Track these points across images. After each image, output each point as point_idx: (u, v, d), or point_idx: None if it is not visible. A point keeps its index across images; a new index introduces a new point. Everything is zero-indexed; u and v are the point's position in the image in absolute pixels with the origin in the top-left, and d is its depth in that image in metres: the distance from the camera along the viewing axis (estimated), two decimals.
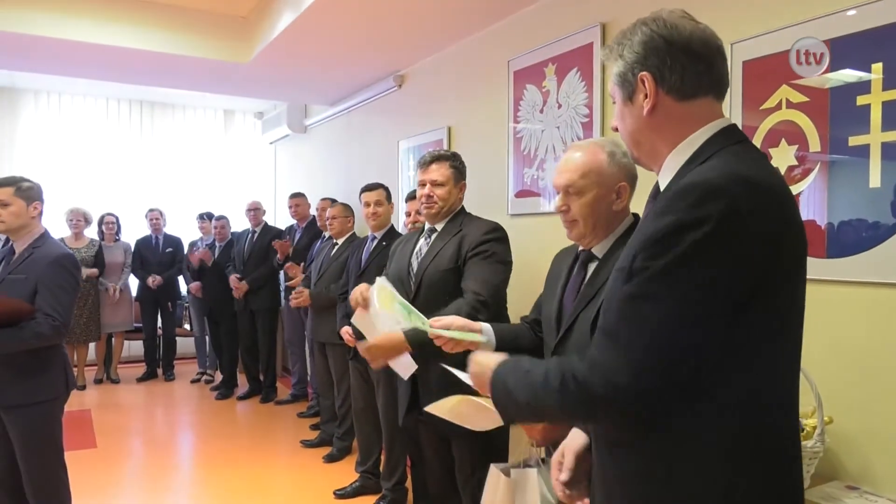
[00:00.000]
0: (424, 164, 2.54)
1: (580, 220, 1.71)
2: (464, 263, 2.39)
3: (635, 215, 1.78)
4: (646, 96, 1.11)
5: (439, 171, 2.51)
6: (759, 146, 2.22)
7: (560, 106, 3.17)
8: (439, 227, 2.54)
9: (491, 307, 2.27)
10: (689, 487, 1.04)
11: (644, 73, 1.10)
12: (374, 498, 3.50)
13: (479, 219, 2.57)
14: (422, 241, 2.58)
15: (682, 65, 1.09)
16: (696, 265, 0.97)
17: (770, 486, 1.05)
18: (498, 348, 1.75)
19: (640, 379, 0.98)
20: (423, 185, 2.53)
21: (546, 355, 1.76)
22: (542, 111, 3.30)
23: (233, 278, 5.76)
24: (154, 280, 6.40)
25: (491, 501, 1.69)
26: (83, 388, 6.19)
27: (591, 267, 1.74)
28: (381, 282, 2.09)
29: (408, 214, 3.92)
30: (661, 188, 1.14)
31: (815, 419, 1.82)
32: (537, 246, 3.01)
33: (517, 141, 3.47)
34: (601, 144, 1.75)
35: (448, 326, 1.74)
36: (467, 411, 1.47)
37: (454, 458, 2.47)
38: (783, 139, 2.16)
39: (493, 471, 1.70)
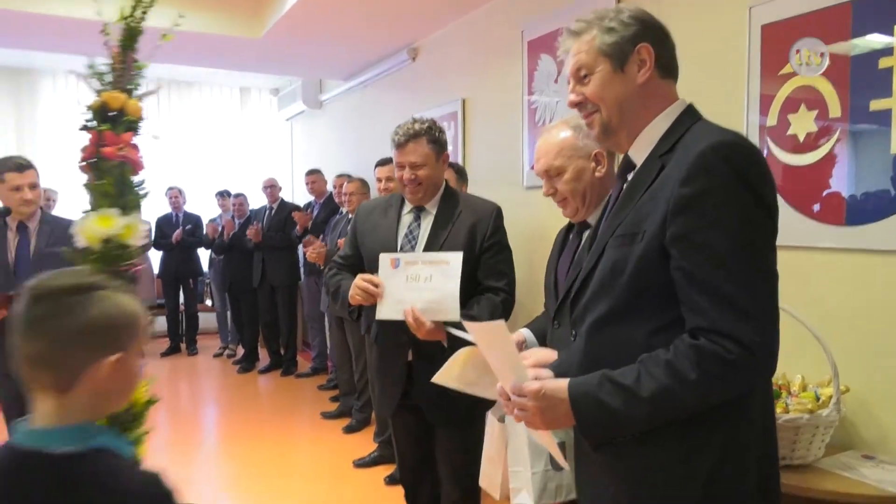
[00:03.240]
0: (399, 145, 2.23)
1: (569, 198, 1.78)
2: (480, 253, 2.23)
3: None
4: (639, 67, 1.20)
5: (417, 152, 2.22)
6: (776, 113, 2.18)
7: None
8: (431, 208, 2.30)
9: (514, 302, 2.27)
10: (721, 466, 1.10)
11: (645, 44, 1.19)
12: (392, 467, 3.55)
13: (475, 198, 2.39)
14: (407, 219, 2.32)
15: (668, 45, 1.23)
16: (759, 215, 1.07)
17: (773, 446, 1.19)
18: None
19: (774, 336, 1.06)
20: (401, 167, 2.24)
21: (549, 325, 1.79)
22: (556, 81, 3.26)
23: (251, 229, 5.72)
24: (177, 236, 6.45)
25: (488, 448, 1.72)
26: None
27: (586, 235, 1.77)
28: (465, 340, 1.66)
29: (379, 181, 3.92)
30: (637, 160, 1.23)
31: (831, 388, 1.80)
32: (553, 218, 3.00)
33: (532, 112, 3.43)
34: (566, 121, 1.81)
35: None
36: (476, 374, 1.44)
37: (430, 451, 2.37)
38: (802, 105, 2.11)
39: (490, 418, 1.72)
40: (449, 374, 1.51)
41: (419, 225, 2.30)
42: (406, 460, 2.46)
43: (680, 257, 1.08)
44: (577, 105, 1.27)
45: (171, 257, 6.56)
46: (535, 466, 1.56)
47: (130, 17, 2.40)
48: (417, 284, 2.08)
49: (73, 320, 0.97)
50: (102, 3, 2.44)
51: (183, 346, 6.83)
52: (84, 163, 2.46)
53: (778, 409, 1.78)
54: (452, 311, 2.03)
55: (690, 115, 1.21)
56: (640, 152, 1.23)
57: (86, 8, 4.19)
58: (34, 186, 2.67)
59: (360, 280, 2.17)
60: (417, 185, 2.23)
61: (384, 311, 2.13)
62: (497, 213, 2.31)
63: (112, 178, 2.40)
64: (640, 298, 1.14)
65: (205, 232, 6.51)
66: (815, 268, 2.08)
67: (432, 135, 2.25)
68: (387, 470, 3.56)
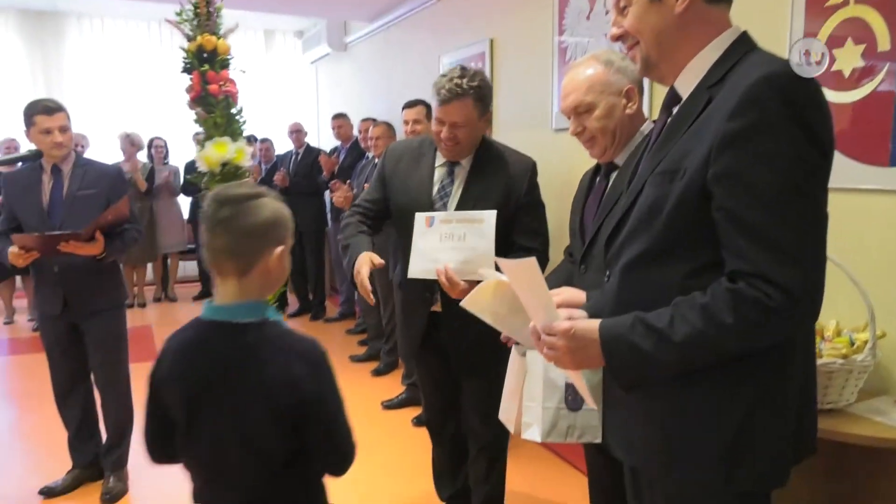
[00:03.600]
0: (444, 101, 2.07)
1: (598, 136, 1.72)
2: (514, 211, 2.15)
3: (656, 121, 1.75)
4: None
5: (461, 112, 2.07)
6: None
7: (608, 12, 3.01)
8: (465, 163, 2.20)
9: (548, 261, 2.22)
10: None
11: None
12: (419, 409, 3.62)
13: (512, 153, 2.25)
14: (440, 173, 2.22)
15: None
16: (812, 154, 1.00)
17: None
18: None
19: (819, 284, 1.01)
20: (440, 122, 2.10)
21: (575, 270, 1.76)
22: (588, 18, 3.14)
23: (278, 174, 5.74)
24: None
25: (508, 382, 1.72)
26: (143, 305, 6.49)
27: (613, 176, 1.75)
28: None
29: (406, 123, 3.86)
30: (683, 93, 1.16)
31: (867, 332, 1.77)
32: (582, 161, 2.94)
33: (562, 51, 3.33)
34: (595, 57, 1.74)
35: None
36: (506, 309, 1.40)
37: (454, 394, 2.39)
38: (849, 38, 2.01)
39: (513, 352, 1.71)
40: (478, 302, 1.47)
41: (452, 181, 2.20)
42: (431, 403, 2.49)
43: (723, 196, 1.02)
44: (618, 38, 1.21)
45: (198, 204, 6.62)
46: (547, 401, 1.55)
47: None
48: (451, 244, 2.03)
49: (250, 219, 1.24)
50: None
51: (213, 290, 6.95)
52: (195, 101, 2.92)
53: None
54: (488, 268, 1.98)
55: (744, 44, 1.13)
56: (686, 84, 1.15)
57: None
58: (64, 129, 2.67)
59: (364, 281, 2.04)
60: (455, 143, 2.12)
61: (416, 270, 2.09)
62: (532, 169, 2.22)
63: (220, 111, 2.96)
64: (677, 239, 1.09)
65: None
66: (854, 210, 2.02)
67: (481, 92, 2.09)
68: (414, 411, 3.63)
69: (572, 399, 1.54)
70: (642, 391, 1.14)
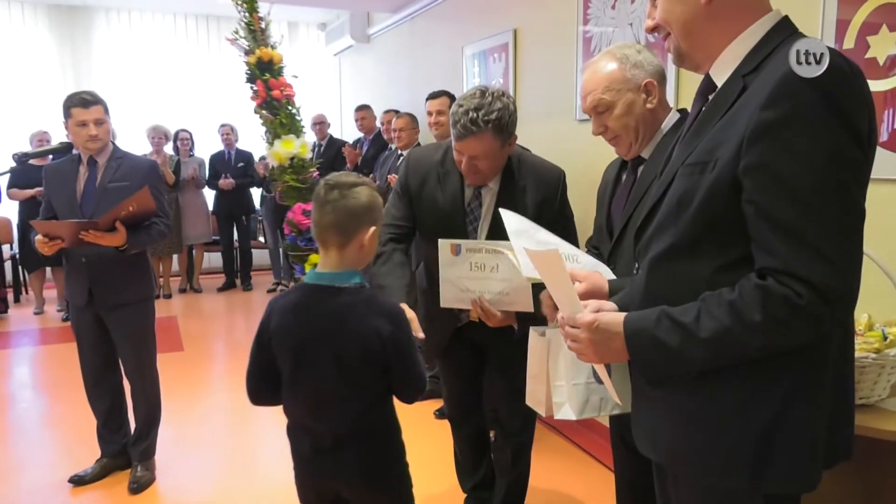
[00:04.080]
0: (459, 138, 1.95)
1: (622, 134, 1.69)
2: (547, 227, 1.99)
3: (681, 110, 1.73)
4: None
5: (479, 147, 1.94)
6: (854, 36, 2.03)
7: (633, 1, 2.97)
8: (492, 184, 2.09)
9: None
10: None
11: None
12: (440, 402, 3.62)
13: (538, 165, 2.14)
14: (468, 194, 2.11)
15: None
16: (850, 147, 0.95)
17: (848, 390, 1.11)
18: None
19: (853, 283, 0.97)
20: (459, 153, 2.00)
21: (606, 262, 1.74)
22: (613, 7, 3.10)
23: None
24: (226, 183, 6.55)
25: (531, 366, 1.69)
26: (169, 296, 6.58)
27: (641, 170, 1.72)
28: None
29: (429, 114, 3.83)
30: (718, 81, 1.12)
31: None
32: (606, 152, 2.92)
33: (587, 41, 3.29)
34: (611, 53, 1.71)
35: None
36: (556, 279, 1.31)
37: (478, 387, 2.38)
38: (884, 25, 1.95)
39: (532, 334, 1.69)
40: (543, 258, 1.44)
41: (480, 204, 2.11)
42: (454, 396, 2.47)
43: (753, 190, 0.98)
44: (653, 29, 1.18)
45: (224, 195, 6.69)
46: (576, 378, 1.52)
47: None
48: (483, 274, 1.96)
49: (352, 202, 1.54)
50: None
51: (238, 281, 7.03)
52: (260, 106, 3.45)
53: None
54: (526, 304, 1.91)
55: (783, 30, 1.07)
56: (721, 72, 1.11)
57: None
58: (100, 122, 2.68)
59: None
60: (477, 172, 2.02)
61: (448, 299, 2.02)
62: (562, 181, 2.13)
63: (284, 113, 3.48)
64: (706, 233, 1.05)
65: (255, 169, 6.60)
66: (887, 200, 1.97)
67: (499, 125, 1.92)
68: (437, 404, 3.63)
69: (596, 375, 1.51)
70: (668, 385, 1.12)
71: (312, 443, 1.62)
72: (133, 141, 6.41)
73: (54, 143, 3.84)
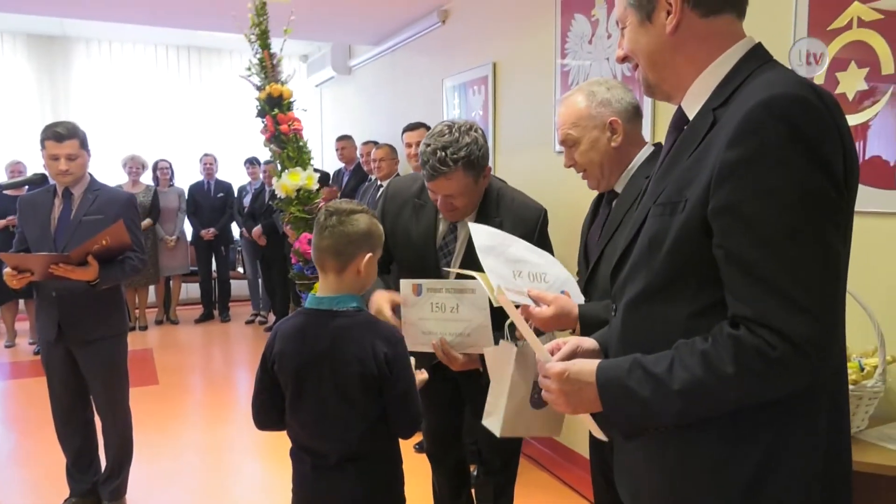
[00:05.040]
0: (430, 179, 1.93)
1: (588, 168, 1.71)
2: None
3: (656, 144, 1.74)
4: (668, 13, 1.03)
5: (451, 186, 1.90)
6: (824, 71, 2.07)
7: (610, 36, 3.02)
8: (468, 218, 2.04)
9: None
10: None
11: None
12: (419, 436, 3.56)
13: (518, 202, 2.09)
14: (442, 227, 2.09)
15: None
16: (820, 186, 0.89)
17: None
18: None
19: (829, 331, 0.90)
20: (433, 192, 1.98)
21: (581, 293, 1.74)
22: (590, 42, 3.15)
23: (255, 230, 6.05)
24: (208, 233, 6.55)
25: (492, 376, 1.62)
26: (145, 328, 6.47)
27: (614, 204, 1.73)
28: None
29: (408, 146, 3.86)
30: (690, 114, 1.07)
31: (876, 358, 1.74)
32: (583, 183, 2.94)
33: (564, 74, 3.34)
34: (580, 89, 1.73)
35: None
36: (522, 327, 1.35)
37: (458, 422, 2.34)
38: (852, 62, 2.00)
39: (502, 343, 1.66)
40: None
41: (455, 237, 2.07)
42: (433, 429, 2.43)
43: (722, 233, 0.92)
44: (623, 59, 1.14)
45: (203, 225, 6.63)
46: (512, 398, 1.44)
47: (261, 24, 3.62)
48: (444, 315, 1.91)
49: (351, 228, 1.60)
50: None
51: (216, 312, 6.94)
52: (269, 140, 3.59)
53: None
54: (487, 344, 1.85)
55: (756, 58, 1.02)
56: (692, 104, 1.06)
57: None
58: (73, 157, 2.64)
59: (389, 313, 1.95)
60: (453, 209, 1.99)
61: (410, 342, 1.96)
62: (541, 220, 2.07)
63: (291, 146, 3.58)
64: (679, 276, 0.99)
65: (236, 196, 6.58)
66: (861, 233, 1.97)
67: (469, 161, 1.88)
68: (417, 438, 3.58)
69: (538, 398, 1.46)
70: (650, 442, 1.05)
71: (314, 464, 1.65)
72: (113, 172, 6.35)
73: (30, 173, 3.78)
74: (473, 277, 1.60)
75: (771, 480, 0.96)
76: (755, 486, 0.96)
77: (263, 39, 3.65)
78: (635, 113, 1.72)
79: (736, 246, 0.91)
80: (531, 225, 2.04)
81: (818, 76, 2.09)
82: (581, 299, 1.66)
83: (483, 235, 1.67)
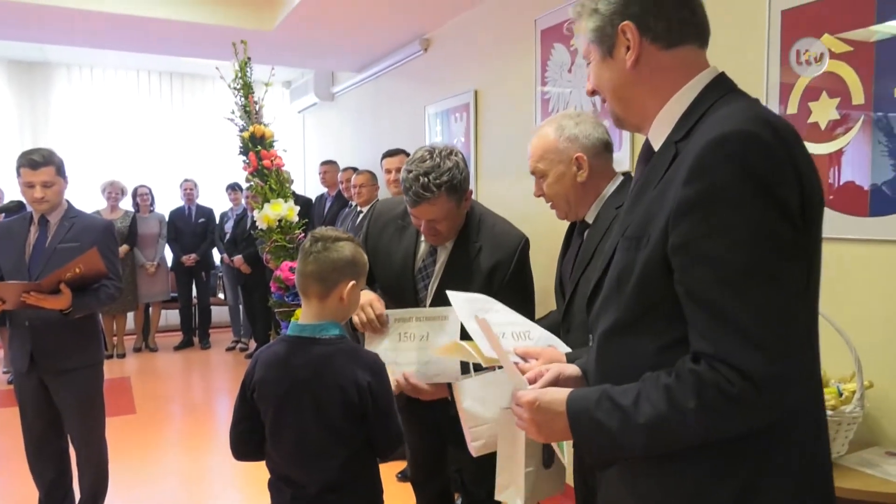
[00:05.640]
0: (413, 205, 1.92)
1: (555, 200, 1.74)
2: (497, 291, 1.96)
3: (626, 174, 1.76)
4: (628, 48, 1.04)
5: (434, 211, 1.90)
6: (797, 100, 2.12)
7: (588, 64, 3.07)
8: (448, 242, 2.05)
9: None
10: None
11: (625, 22, 1.04)
12: (404, 464, 3.53)
13: (500, 228, 2.09)
14: (423, 249, 2.08)
15: (666, 10, 1.04)
16: (776, 221, 0.90)
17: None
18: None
19: (788, 367, 0.90)
20: (416, 217, 1.97)
21: (560, 328, 1.74)
22: (570, 70, 3.20)
23: (237, 259, 6.09)
24: (189, 259, 6.50)
25: (500, 444, 1.61)
26: (123, 356, 6.36)
27: (586, 234, 1.75)
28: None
29: (388, 172, 3.89)
30: (655, 146, 1.08)
31: (854, 383, 1.75)
32: None
33: (545, 102, 3.38)
34: (551, 121, 1.75)
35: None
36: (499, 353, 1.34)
37: (441, 449, 2.31)
38: (824, 92, 2.05)
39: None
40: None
41: (434, 260, 2.07)
42: (417, 458, 2.40)
43: (681, 270, 0.93)
44: (592, 93, 1.15)
45: (184, 251, 6.58)
46: (528, 465, 1.44)
47: (244, 73, 3.96)
48: (411, 344, 1.88)
49: (335, 254, 1.60)
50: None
51: (196, 339, 6.86)
52: (252, 174, 3.88)
53: None
54: (454, 374, 1.82)
55: (719, 88, 1.03)
56: (658, 136, 1.06)
57: (102, 1, 4.19)
58: (48, 185, 2.60)
59: (368, 310, 1.92)
60: (436, 234, 1.98)
61: None
62: (521, 247, 2.04)
63: (274, 180, 3.85)
64: (646, 312, 1.00)
65: (217, 222, 6.55)
66: (837, 259, 2.03)
67: (451, 185, 1.88)
68: (399, 465, 3.54)
69: (547, 457, 1.47)
70: (628, 470, 1.06)
71: (294, 494, 1.62)
72: (93, 198, 6.30)
73: (8, 199, 3.75)
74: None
75: (761, 493, 0.95)
76: (744, 499, 0.95)
77: (246, 90, 3.95)
78: (604, 148, 1.72)
79: (694, 283, 0.92)
80: (509, 252, 2.02)
81: (791, 105, 2.14)
82: (567, 349, 1.65)
83: (462, 300, 1.67)
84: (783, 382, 0.89)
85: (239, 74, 3.93)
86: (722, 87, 1.04)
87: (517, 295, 1.98)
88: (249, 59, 3.95)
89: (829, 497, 1.03)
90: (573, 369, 1.20)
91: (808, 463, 0.99)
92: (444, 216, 1.92)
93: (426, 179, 1.86)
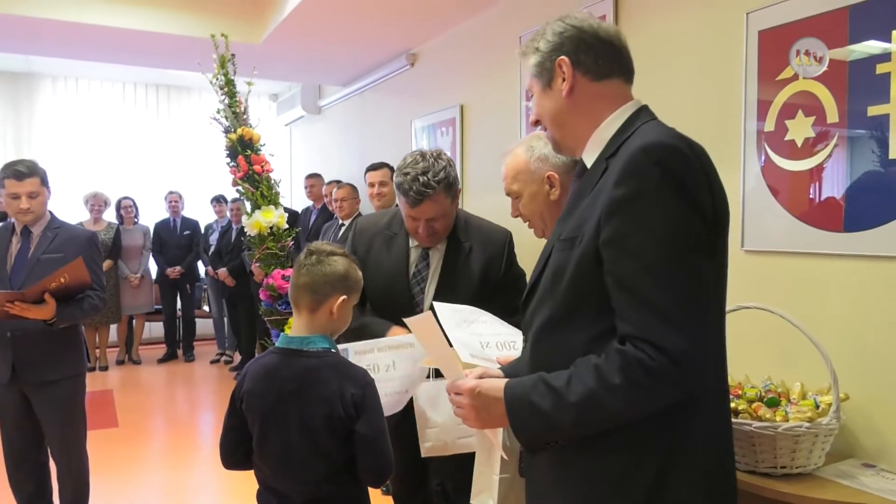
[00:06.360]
0: (415, 204, 1.97)
1: (531, 219, 1.77)
2: (494, 290, 2.09)
3: None
4: (563, 80, 1.20)
5: (434, 208, 1.98)
6: (774, 119, 2.17)
7: None
8: (440, 245, 2.12)
9: None
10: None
11: (561, 57, 1.20)
12: None
13: (485, 226, 2.18)
14: (414, 255, 2.13)
15: (595, 48, 1.20)
16: (691, 220, 1.03)
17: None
18: None
19: (699, 345, 1.02)
20: (414, 219, 2.02)
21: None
22: None
23: (221, 271, 6.05)
24: (174, 271, 6.47)
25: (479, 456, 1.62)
26: (105, 368, 6.30)
27: None
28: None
29: (371, 185, 3.90)
30: (588, 164, 1.21)
31: (830, 396, 1.78)
32: None
33: (529, 116, 3.42)
34: (522, 143, 1.79)
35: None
36: (435, 345, 1.35)
37: (422, 464, 2.28)
38: (800, 111, 2.10)
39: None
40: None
41: (427, 264, 2.11)
42: (398, 472, 2.38)
43: (610, 261, 1.06)
44: (535, 123, 1.29)
45: (169, 263, 6.54)
46: (503, 472, 1.45)
47: (224, 71, 3.81)
48: (378, 375, 1.85)
49: (328, 268, 1.62)
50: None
51: (180, 352, 6.80)
52: (241, 179, 3.74)
53: (777, 418, 1.76)
54: (421, 381, 1.87)
55: (642, 116, 1.19)
56: (590, 155, 1.22)
57: (85, 12, 4.20)
58: (33, 196, 2.61)
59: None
60: (434, 234, 2.04)
61: None
62: (509, 242, 2.16)
63: (265, 185, 3.76)
64: (580, 305, 1.12)
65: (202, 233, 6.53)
66: (813, 274, 2.07)
67: (447, 182, 1.98)
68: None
69: (524, 465, 1.47)
70: (557, 459, 1.15)
71: None
72: (76, 209, 6.26)
73: None
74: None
75: (666, 484, 1.06)
76: (654, 491, 1.06)
77: (230, 87, 3.83)
78: (573, 165, 1.75)
79: (622, 272, 1.05)
80: (499, 247, 2.12)
81: (769, 123, 2.19)
82: None
83: (447, 311, 1.71)
84: (697, 362, 1.02)
85: (221, 71, 3.80)
86: (645, 114, 1.20)
87: (513, 288, 2.07)
88: (234, 55, 3.83)
89: (730, 480, 1.16)
90: (497, 373, 1.31)
91: (718, 433, 1.12)
92: (442, 213, 2.01)
93: (425, 178, 1.95)
